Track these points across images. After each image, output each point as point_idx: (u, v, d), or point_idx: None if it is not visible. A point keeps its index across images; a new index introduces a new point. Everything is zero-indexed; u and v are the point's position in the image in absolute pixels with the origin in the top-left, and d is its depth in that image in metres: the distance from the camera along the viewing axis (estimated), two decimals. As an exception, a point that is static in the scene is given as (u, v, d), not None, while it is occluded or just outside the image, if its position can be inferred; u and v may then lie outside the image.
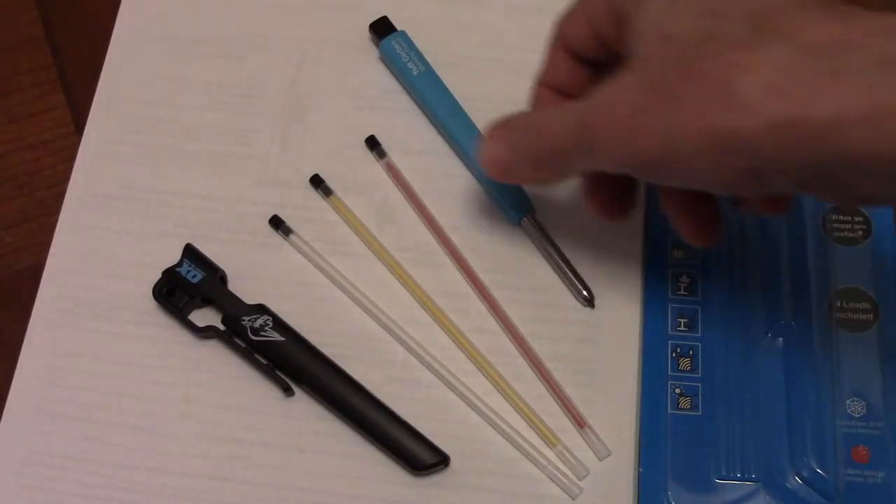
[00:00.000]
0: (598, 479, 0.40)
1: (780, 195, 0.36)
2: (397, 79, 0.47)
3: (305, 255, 0.44)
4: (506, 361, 0.42)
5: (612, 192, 0.39)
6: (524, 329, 0.43)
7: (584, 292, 0.42)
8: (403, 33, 0.47)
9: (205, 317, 0.43)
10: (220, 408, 0.42)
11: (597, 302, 0.43)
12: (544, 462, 0.40)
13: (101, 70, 0.48)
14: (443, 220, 0.45)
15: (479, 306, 0.43)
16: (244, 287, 0.43)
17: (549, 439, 0.40)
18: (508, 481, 0.40)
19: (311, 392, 0.41)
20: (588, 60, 0.38)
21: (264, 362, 0.42)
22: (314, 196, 0.45)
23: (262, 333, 0.42)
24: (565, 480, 0.40)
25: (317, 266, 0.44)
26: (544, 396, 0.41)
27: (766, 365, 0.41)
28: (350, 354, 0.42)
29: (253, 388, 0.42)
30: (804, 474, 0.39)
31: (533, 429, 0.41)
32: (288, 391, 0.41)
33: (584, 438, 0.41)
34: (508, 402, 0.41)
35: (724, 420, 0.40)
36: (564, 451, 0.40)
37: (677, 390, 0.41)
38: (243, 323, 0.42)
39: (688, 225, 0.38)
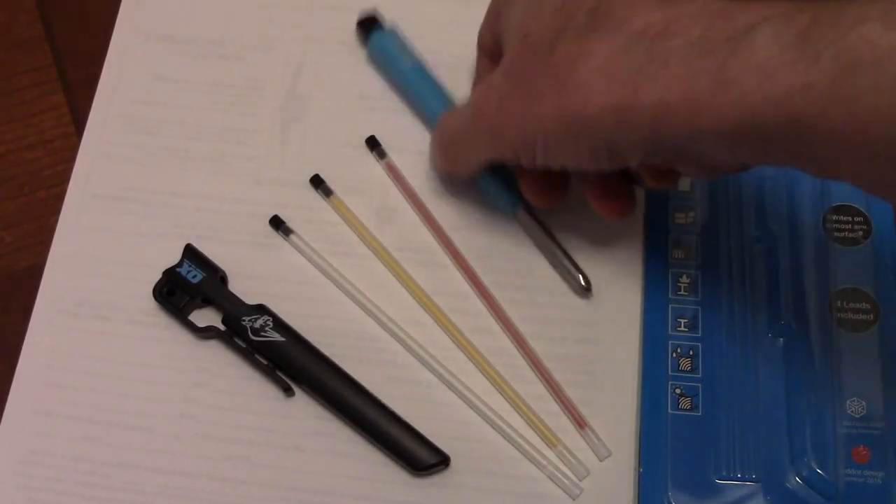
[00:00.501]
0: (598, 479, 0.40)
1: (663, 169, 0.38)
2: (386, 77, 0.47)
3: (305, 255, 0.44)
4: (506, 361, 0.42)
5: (611, 189, 0.40)
6: (524, 329, 0.43)
7: (581, 279, 0.42)
8: (392, 31, 0.47)
9: (205, 317, 0.43)
10: (220, 408, 0.42)
11: (597, 302, 0.43)
12: (544, 462, 0.40)
13: (101, 70, 0.48)
14: (443, 221, 0.45)
15: (479, 306, 0.43)
16: (244, 287, 0.43)
17: (549, 439, 0.40)
18: (508, 481, 0.40)
19: (311, 392, 0.41)
20: None
21: (264, 362, 0.42)
22: (314, 196, 0.46)
23: (262, 333, 0.42)
24: (565, 480, 0.40)
25: (317, 266, 0.44)
26: (544, 396, 0.41)
27: (766, 365, 0.41)
28: (350, 354, 0.42)
29: (253, 388, 0.42)
30: (804, 474, 0.39)
31: (533, 429, 0.41)
32: (288, 391, 0.41)
33: (584, 438, 0.41)
34: (508, 402, 0.41)
35: (724, 420, 0.40)
36: (564, 452, 0.40)
37: (677, 390, 0.41)
38: (243, 323, 0.42)
39: (597, 201, 0.40)
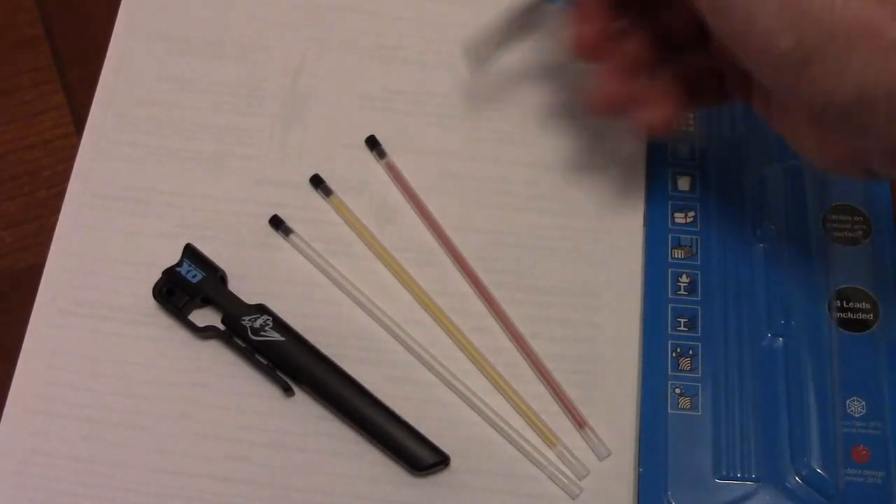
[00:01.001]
0: (598, 479, 0.40)
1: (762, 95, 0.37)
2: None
3: (305, 255, 0.44)
4: (506, 361, 0.42)
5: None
6: (524, 329, 0.43)
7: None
8: None
9: (205, 317, 0.43)
10: (220, 408, 0.42)
11: (597, 302, 0.43)
12: (544, 462, 0.40)
13: (101, 70, 0.48)
14: (443, 221, 0.45)
15: (479, 306, 0.43)
16: (244, 287, 0.43)
17: (549, 439, 0.40)
18: (508, 481, 0.40)
19: (311, 392, 0.41)
20: None
21: (264, 362, 0.42)
22: (314, 196, 0.46)
23: (262, 333, 0.42)
24: (565, 480, 0.40)
25: (317, 266, 0.44)
26: (544, 396, 0.41)
27: (766, 365, 0.41)
28: (350, 354, 0.42)
29: (253, 387, 0.42)
30: (804, 474, 0.39)
31: (533, 429, 0.41)
32: (288, 391, 0.41)
33: (584, 438, 0.41)
34: (508, 401, 0.41)
35: (724, 420, 0.40)
36: (564, 451, 0.40)
37: (677, 390, 0.41)
38: (243, 323, 0.42)
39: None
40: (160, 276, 0.43)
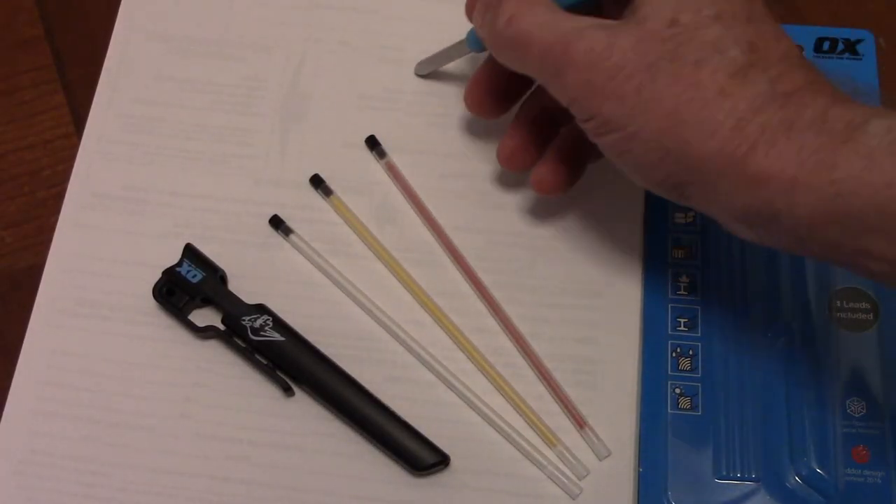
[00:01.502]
0: (598, 479, 0.40)
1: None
2: None
3: (305, 255, 0.44)
4: (506, 361, 0.42)
5: (499, 90, 0.41)
6: (524, 329, 0.43)
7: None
8: None
9: (205, 317, 0.43)
10: (220, 408, 0.42)
11: (597, 302, 0.43)
12: (544, 462, 0.40)
13: (101, 70, 0.48)
14: (443, 220, 0.45)
15: (479, 306, 0.43)
16: (244, 287, 0.43)
17: (549, 439, 0.40)
18: (508, 481, 0.40)
19: (311, 392, 0.41)
20: None
21: (264, 362, 0.42)
22: (314, 196, 0.46)
23: (262, 333, 0.42)
24: (565, 480, 0.40)
25: (317, 266, 0.44)
26: (544, 396, 0.41)
27: (766, 365, 0.41)
28: (350, 354, 0.42)
29: (253, 387, 0.42)
30: (804, 474, 0.39)
31: (533, 429, 0.41)
32: (288, 391, 0.41)
33: (584, 438, 0.41)
34: (508, 401, 0.41)
35: (724, 420, 0.40)
36: (564, 451, 0.40)
37: (677, 390, 0.41)
38: (243, 323, 0.42)
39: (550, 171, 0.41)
40: (160, 276, 0.43)
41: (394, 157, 0.46)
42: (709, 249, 0.43)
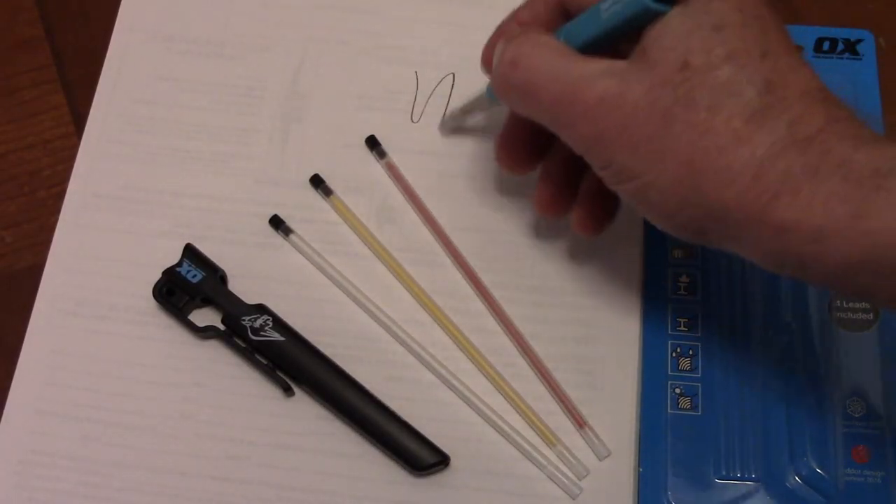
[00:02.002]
0: (598, 479, 0.40)
1: None
2: None
3: (305, 255, 0.44)
4: (506, 361, 0.42)
5: (527, 144, 0.40)
6: (524, 329, 0.43)
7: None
8: None
9: (205, 317, 0.43)
10: (220, 408, 0.42)
11: (597, 302, 0.43)
12: (544, 462, 0.40)
13: (101, 70, 0.48)
14: (443, 220, 0.45)
15: (479, 306, 0.43)
16: (244, 287, 0.43)
17: (549, 439, 0.40)
18: (508, 481, 0.40)
19: (311, 392, 0.41)
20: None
21: (264, 362, 0.42)
22: (314, 196, 0.46)
23: (262, 333, 0.42)
24: (565, 480, 0.40)
25: (317, 266, 0.44)
26: (544, 396, 0.41)
27: (766, 365, 0.41)
28: (350, 354, 0.42)
29: (253, 388, 0.42)
30: (804, 474, 0.39)
31: (533, 429, 0.41)
32: (288, 391, 0.41)
33: (583, 438, 0.41)
34: (508, 401, 0.41)
35: (724, 420, 0.40)
36: (564, 451, 0.40)
37: (677, 390, 0.41)
38: (243, 323, 0.42)
39: (583, 214, 0.40)
40: (160, 276, 0.43)
41: (394, 157, 0.46)
42: (709, 249, 0.43)
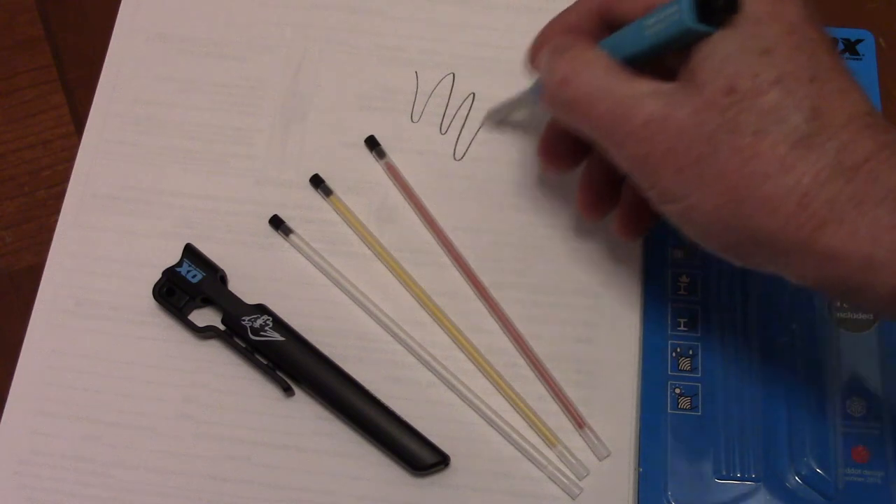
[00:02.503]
0: (598, 479, 0.40)
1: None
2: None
3: (305, 255, 0.44)
4: (506, 361, 0.42)
5: (570, 145, 0.39)
6: (524, 329, 0.43)
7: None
8: None
9: (205, 317, 0.43)
10: (220, 408, 0.42)
11: (597, 302, 0.43)
12: (544, 462, 0.40)
13: (101, 70, 0.48)
14: (443, 221, 0.45)
15: (479, 306, 0.43)
16: (244, 287, 0.43)
17: (549, 439, 0.40)
18: (508, 481, 0.40)
19: (311, 392, 0.41)
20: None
21: (264, 362, 0.42)
22: (314, 196, 0.46)
23: (262, 333, 0.42)
24: (565, 480, 0.40)
25: (317, 266, 0.44)
26: (544, 396, 0.41)
27: (766, 365, 0.41)
28: (350, 354, 0.42)
29: (253, 388, 0.42)
30: (804, 474, 0.39)
31: (533, 429, 0.41)
32: (288, 391, 0.41)
33: (583, 438, 0.41)
34: (508, 402, 0.41)
35: (724, 420, 0.40)
36: (564, 451, 0.40)
37: (677, 390, 0.41)
38: (243, 323, 0.42)
39: (626, 220, 0.40)
40: (160, 276, 0.43)
41: (394, 157, 0.46)
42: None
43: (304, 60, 0.49)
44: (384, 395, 0.41)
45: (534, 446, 0.40)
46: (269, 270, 0.44)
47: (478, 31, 0.49)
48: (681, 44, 0.32)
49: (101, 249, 0.45)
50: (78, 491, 0.40)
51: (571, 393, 0.41)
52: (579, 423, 0.41)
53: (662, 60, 0.34)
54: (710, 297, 0.42)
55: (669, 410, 0.40)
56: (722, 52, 0.31)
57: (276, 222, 0.45)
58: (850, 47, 0.47)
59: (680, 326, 0.42)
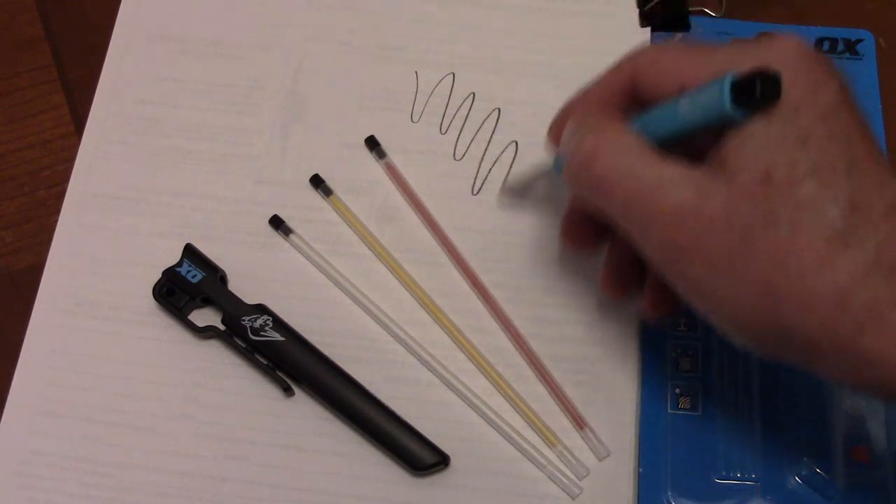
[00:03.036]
0: (598, 479, 0.40)
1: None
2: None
3: (305, 255, 0.44)
4: (506, 361, 0.42)
5: (593, 224, 0.38)
6: (524, 329, 0.43)
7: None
8: None
9: (205, 317, 0.43)
10: (220, 408, 0.42)
11: (597, 302, 0.43)
12: (544, 462, 0.40)
13: (101, 70, 0.48)
14: (443, 221, 0.45)
15: (479, 306, 0.43)
16: (244, 287, 0.43)
17: (549, 439, 0.40)
18: (508, 481, 0.40)
19: (311, 392, 0.41)
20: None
21: (264, 362, 0.42)
22: (314, 196, 0.46)
23: (262, 333, 0.42)
24: (565, 480, 0.40)
25: (317, 266, 0.44)
26: (544, 396, 0.41)
27: (766, 365, 0.41)
28: (350, 354, 0.42)
29: (253, 388, 0.42)
30: (804, 474, 0.39)
31: (533, 429, 0.41)
32: (288, 391, 0.41)
33: (583, 438, 0.41)
34: (508, 402, 0.41)
35: (724, 420, 0.40)
36: (564, 451, 0.40)
37: (677, 390, 0.41)
38: (243, 323, 0.42)
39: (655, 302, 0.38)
40: (160, 276, 0.43)
41: (394, 157, 0.46)
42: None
43: (304, 60, 0.49)
44: (384, 395, 0.41)
45: (534, 446, 0.40)
46: (269, 270, 0.44)
47: (478, 31, 0.49)
48: (715, 127, 0.30)
49: (101, 249, 0.45)
50: (78, 491, 0.40)
51: (571, 393, 0.41)
52: (579, 423, 0.41)
53: (693, 143, 0.32)
54: (710, 297, 0.42)
55: (669, 410, 0.40)
56: (757, 140, 0.29)
57: (276, 222, 0.45)
58: (850, 47, 0.47)
59: (680, 327, 0.42)
